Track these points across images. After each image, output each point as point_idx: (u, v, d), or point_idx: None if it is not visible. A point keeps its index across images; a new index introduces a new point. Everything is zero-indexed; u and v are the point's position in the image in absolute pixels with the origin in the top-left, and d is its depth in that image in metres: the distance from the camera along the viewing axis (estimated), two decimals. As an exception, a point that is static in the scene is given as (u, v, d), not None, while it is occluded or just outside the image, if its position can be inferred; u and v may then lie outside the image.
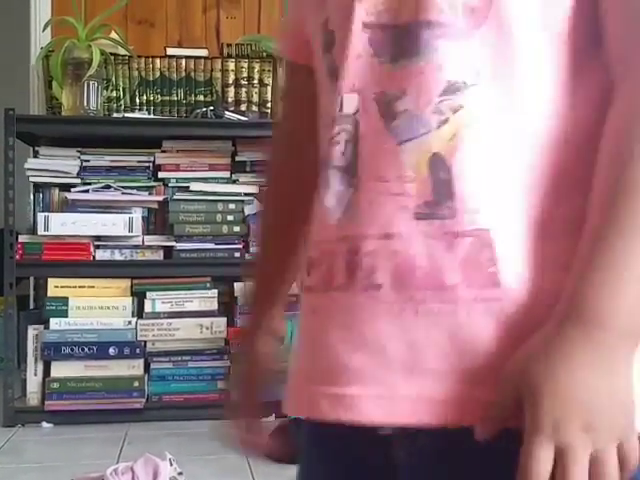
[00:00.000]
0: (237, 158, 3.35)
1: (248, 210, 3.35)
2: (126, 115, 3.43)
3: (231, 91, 3.49)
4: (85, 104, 3.30)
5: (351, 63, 0.68)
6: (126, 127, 3.31)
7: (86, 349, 3.19)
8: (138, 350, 3.21)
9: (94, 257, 3.25)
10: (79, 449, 2.84)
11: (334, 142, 0.69)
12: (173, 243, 3.29)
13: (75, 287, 3.24)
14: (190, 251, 3.28)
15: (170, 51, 3.57)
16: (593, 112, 0.65)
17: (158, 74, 3.51)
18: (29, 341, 3.21)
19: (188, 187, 3.31)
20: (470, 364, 0.64)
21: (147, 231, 3.31)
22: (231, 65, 3.50)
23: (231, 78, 3.49)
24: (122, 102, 3.50)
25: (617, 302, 0.60)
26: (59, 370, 3.20)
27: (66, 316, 3.21)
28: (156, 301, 3.26)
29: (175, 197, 3.31)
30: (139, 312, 3.26)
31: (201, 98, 3.49)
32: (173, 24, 3.80)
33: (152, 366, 3.25)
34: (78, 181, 3.29)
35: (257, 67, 3.49)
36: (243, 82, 3.49)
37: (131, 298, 3.26)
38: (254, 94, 3.50)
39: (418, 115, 0.65)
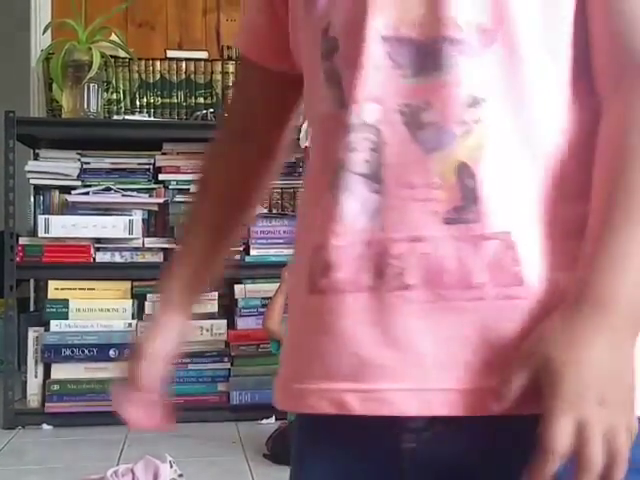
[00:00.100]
0: (237, 160, 3.35)
1: (248, 212, 3.34)
2: (126, 117, 3.43)
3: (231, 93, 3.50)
4: (85, 106, 3.31)
5: (368, 74, 0.71)
6: (126, 129, 3.32)
7: (86, 351, 3.19)
8: (138, 352, 3.20)
9: (94, 259, 3.25)
10: (79, 451, 2.84)
11: (352, 149, 0.72)
12: (173, 245, 3.28)
13: (75, 289, 3.25)
14: (190, 253, 3.28)
15: (170, 53, 3.58)
16: (587, 126, 0.71)
17: (158, 76, 3.51)
18: (29, 343, 3.21)
19: (188, 189, 3.31)
20: (498, 356, 0.68)
21: (147, 233, 3.31)
22: (231, 67, 3.50)
23: (231, 80, 3.49)
24: (122, 104, 3.50)
25: (627, 289, 0.65)
26: (59, 372, 3.20)
27: (66, 318, 3.21)
28: (156, 303, 3.25)
29: (175, 199, 3.32)
30: (139, 314, 3.26)
31: (201, 100, 3.50)
32: (173, 26, 3.81)
33: (152, 368, 3.24)
34: (78, 183, 3.29)
35: (257, 69, 3.50)
36: (243, 84, 3.49)
37: (131, 300, 3.26)
38: (254, 96, 3.50)
39: (444, 126, 0.69)
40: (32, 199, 3.35)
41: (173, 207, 3.30)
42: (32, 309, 3.59)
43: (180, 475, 2.37)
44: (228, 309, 3.37)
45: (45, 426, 3.15)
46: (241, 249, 3.31)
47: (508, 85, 0.70)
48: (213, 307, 3.28)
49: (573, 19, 0.71)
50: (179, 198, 3.31)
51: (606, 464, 0.62)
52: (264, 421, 3.13)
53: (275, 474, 2.54)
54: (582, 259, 0.68)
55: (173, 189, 3.33)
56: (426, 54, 0.70)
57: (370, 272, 0.71)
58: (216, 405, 3.26)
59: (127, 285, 3.26)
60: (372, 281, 0.71)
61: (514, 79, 0.70)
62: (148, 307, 3.23)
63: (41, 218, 3.20)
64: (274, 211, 3.43)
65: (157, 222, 3.36)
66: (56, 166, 3.28)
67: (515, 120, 0.70)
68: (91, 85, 3.31)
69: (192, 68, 3.52)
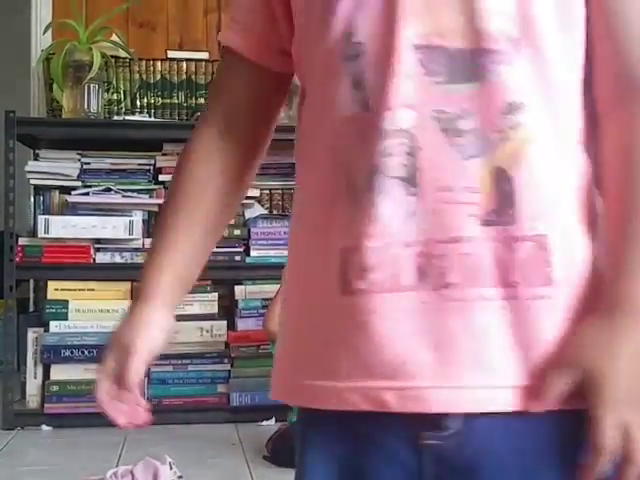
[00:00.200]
0: (238, 161, 3.35)
1: (248, 213, 3.35)
2: (127, 118, 3.43)
3: (232, 94, 3.49)
4: (86, 107, 3.30)
5: (400, 81, 0.74)
6: (127, 130, 3.31)
7: (86, 352, 3.18)
8: (138, 353, 3.20)
9: (94, 260, 3.24)
10: (79, 452, 2.84)
11: (387, 154, 0.74)
12: (173, 246, 3.28)
13: (75, 290, 3.24)
14: (190, 254, 3.27)
15: (171, 54, 3.58)
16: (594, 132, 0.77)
17: (159, 77, 3.51)
18: (29, 344, 3.20)
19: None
20: (531, 354, 0.72)
21: (147, 234, 3.30)
22: (232, 68, 3.50)
23: (232, 81, 3.49)
24: (123, 105, 3.50)
25: None
26: (59, 373, 3.19)
27: (66, 319, 3.21)
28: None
29: (176, 200, 3.30)
30: (139, 315, 3.25)
31: (202, 101, 3.50)
32: (174, 27, 3.80)
33: (152, 369, 3.23)
34: (78, 184, 3.29)
35: (258, 70, 3.49)
36: (244, 85, 3.49)
37: (131, 301, 3.24)
38: (255, 97, 3.50)
39: (482, 133, 0.73)
40: (32, 199, 3.35)
41: (173, 208, 3.29)
42: (32, 310, 3.58)
43: (180, 477, 2.36)
44: (228, 310, 3.37)
45: (44, 427, 3.14)
46: (241, 250, 3.31)
47: (542, 92, 0.74)
48: (213, 308, 3.28)
49: (584, 20, 0.76)
50: (179, 199, 3.30)
51: None
52: (264, 423, 3.13)
53: (275, 476, 2.54)
54: (610, 267, 0.74)
55: (173, 190, 3.33)
56: (463, 63, 0.73)
57: (410, 272, 0.73)
58: (216, 406, 3.25)
59: (127, 286, 3.26)
60: (413, 281, 0.73)
61: (547, 87, 0.74)
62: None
63: (41, 218, 3.20)
64: (275, 212, 3.43)
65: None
66: (56, 166, 3.28)
67: (550, 128, 0.74)
68: (91, 85, 3.30)
69: (193, 68, 3.51)
